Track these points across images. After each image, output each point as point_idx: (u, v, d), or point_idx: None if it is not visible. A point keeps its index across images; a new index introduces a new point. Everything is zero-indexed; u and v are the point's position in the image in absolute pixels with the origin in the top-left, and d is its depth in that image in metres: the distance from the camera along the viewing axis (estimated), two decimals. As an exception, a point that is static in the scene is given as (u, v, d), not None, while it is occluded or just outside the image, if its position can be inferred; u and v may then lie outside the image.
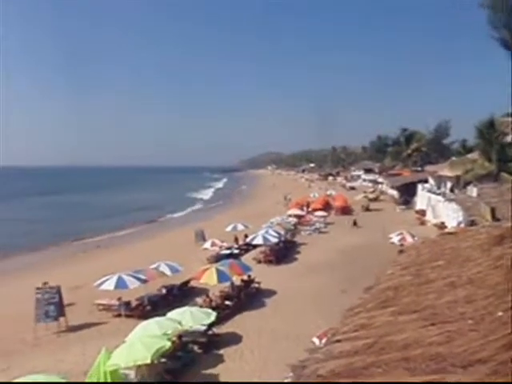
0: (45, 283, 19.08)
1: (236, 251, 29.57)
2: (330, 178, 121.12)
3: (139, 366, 12.28)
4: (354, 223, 40.22)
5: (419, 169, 63.17)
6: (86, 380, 11.94)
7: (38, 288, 17.83)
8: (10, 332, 17.31)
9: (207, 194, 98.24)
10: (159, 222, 53.92)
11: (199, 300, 19.30)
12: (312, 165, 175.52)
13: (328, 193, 71.83)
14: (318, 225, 40.29)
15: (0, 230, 45.46)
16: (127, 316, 18.27)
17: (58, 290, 17.96)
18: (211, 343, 15.20)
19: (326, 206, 52.10)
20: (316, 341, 11.73)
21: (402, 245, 23.71)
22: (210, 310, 15.83)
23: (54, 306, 17.53)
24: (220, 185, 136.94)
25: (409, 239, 26.06)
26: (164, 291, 20.51)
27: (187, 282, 21.39)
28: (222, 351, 14.90)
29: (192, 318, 14.64)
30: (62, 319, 17.72)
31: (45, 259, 31.87)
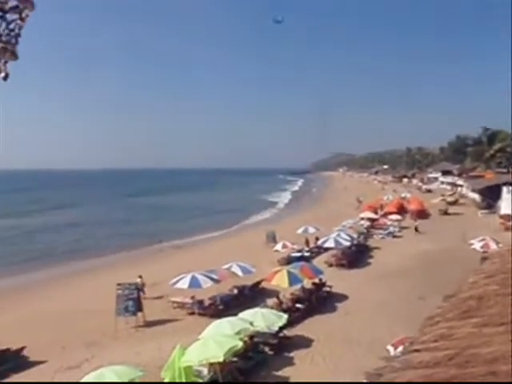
0: (139, 276, 20.63)
1: (307, 254, 29.39)
2: (405, 180, 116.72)
3: (212, 364, 12.56)
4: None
5: (504, 170, 58.97)
6: (162, 374, 12.43)
7: (118, 284, 18.86)
8: (94, 324, 18.44)
9: (285, 197, 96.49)
10: (236, 224, 54.51)
11: (270, 302, 19.38)
12: (385, 166, 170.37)
13: (402, 195, 69.22)
14: (391, 229, 38.95)
15: (103, 230, 48.55)
16: (200, 314, 18.79)
17: (137, 287, 18.87)
18: (282, 345, 15.19)
19: (401, 210, 50.19)
20: (390, 349, 11.32)
21: (484, 252, 22.23)
22: (281, 313, 15.85)
23: (132, 301, 18.44)
24: (296, 187, 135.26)
25: (492, 246, 24.36)
26: (235, 291, 20.84)
27: (258, 283, 21.58)
28: (292, 354, 14.83)
29: (263, 319, 14.74)
30: (139, 314, 18.58)
31: (130, 258, 33.44)
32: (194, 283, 18.39)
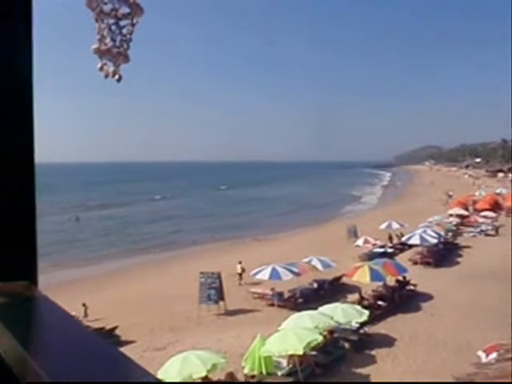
0: (239, 262, 22.41)
1: (390, 250, 28.41)
2: (500, 174, 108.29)
3: (291, 356, 12.65)
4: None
5: None
6: (242, 362, 12.77)
7: (201, 272, 19.60)
8: (179, 310, 19.36)
9: (373, 192, 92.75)
10: (319, 218, 53.96)
11: (351, 297, 19.06)
12: (477, 160, 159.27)
13: (497, 191, 64.31)
14: (484, 226, 36.36)
15: (191, 221, 50.49)
16: (279, 306, 18.97)
17: (219, 276, 19.50)
18: (362, 342, 14.88)
19: (495, 206, 46.68)
20: (482, 355, 10.62)
21: None
22: (362, 309, 15.52)
23: (214, 290, 19.08)
24: (384, 182, 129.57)
25: None
26: (315, 285, 20.74)
27: (339, 278, 21.30)
28: (373, 352, 14.48)
29: (344, 314, 14.54)
30: (221, 303, 19.19)
31: (216, 248, 34.59)
32: (275, 275, 18.61)
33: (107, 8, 1.98)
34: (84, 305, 18.73)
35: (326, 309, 14.95)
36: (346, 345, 14.82)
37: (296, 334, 12.38)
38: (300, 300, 19.06)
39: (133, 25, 2.01)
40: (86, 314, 18.42)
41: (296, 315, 14.33)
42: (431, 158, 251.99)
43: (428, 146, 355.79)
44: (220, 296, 19.11)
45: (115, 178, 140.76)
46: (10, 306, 1.14)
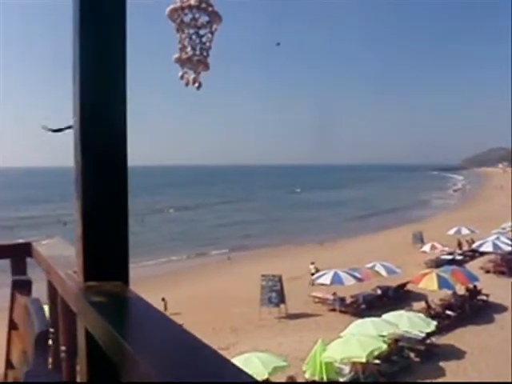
0: (312, 263, 22.61)
1: (459, 257, 27.03)
2: None
3: (353, 363, 12.38)
4: None
5: None
6: (303, 367, 12.67)
7: (263, 275, 19.71)
8: (241, 311, 19.57)
9: (443, 197, 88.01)
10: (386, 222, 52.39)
11: (416, 306, 18.33)
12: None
13: None
14: None
15: (263, 225, 50.65)
16: (341, 312, 18.64)
17: (280, 279, 19.50)
18: (429, 353, 14.26)
19: None
20: None
21: None
22: (428, 318, 14.90)
23: (276, 293, 19.11)
24: (458, 185, 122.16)
25: None
26: (379, 292, 20.17)
27: (404, 284, 20.56)
28: (441, 364, 13.82)
29: (409, 323, 14.02)
30: (282, 306, 19.17)
31: (280, 251, 34.65)
32: (337, 280, 18.33)
33: (187, 18, 2.06)
34: (163, 299, 19.38)
35: (390, 316, 14.49)
36: (412, 355, 14.28)
37: (359, 341, 12.11)
38: (363, 306, 18.61)
39: (212, 33, 2.08)
40: (166, 308, 19.02)
41: (359, 322, 14.01)
42: (504, 161, 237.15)
43: (500, 148, 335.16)
44: (281, 299, 19.11)
45: (193, 180, 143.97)
46: (108, 304, 1.20)
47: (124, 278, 1.38)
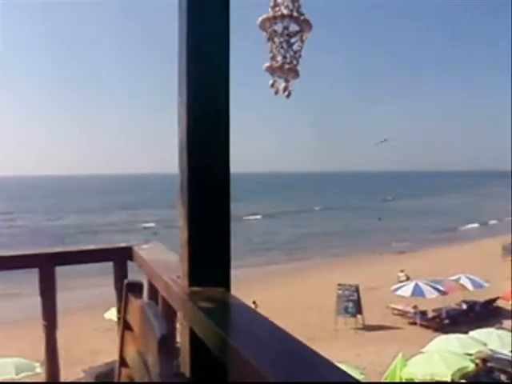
0: (401, 270, 22.80)
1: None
2: None
3: (437, 382, 11.72)
4: None
5: None
6: (382, 381, 12.21)
7: (339, 284, 19.35)
8: (316, 319, 19.33)
9: None
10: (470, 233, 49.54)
11: (507, 324, 16.99)
12: None
13: None
14: None
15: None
16: (422, 326, 17.77)
17: (357, 289, 19.03)
18: (523, 376, 13.12)
19: None
20: None
21: None
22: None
23: (352, 302, 18.67)
24: None
25: None
26: (464, 306, 18.95)
27: (493, 300, 19.15)
28: (537, 390, 12.66)
29: (500, 342, 13.00)
30: (359, 316, 18.66)
31: (356, 260, 33.95)
32: (417, 292, 17.50)
33: (279, 27, 2.09)
34: (254, 302, 19.68)
35: (477, 334, 13.54)
36: (503, 377, 13.19)
37: (443, 359, 11.43)
38: (446, 321, 17.61)
39: (302, 41, 2.09)
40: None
41: (443, 337, 13.24)
42: None
43: None
44: (358, 309, 18.63)
45: (281, 186, 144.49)
46: (213, 308, 1.23)
47: (226, 284, 1.40)
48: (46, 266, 2.10)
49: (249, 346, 0.97)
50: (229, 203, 1.42)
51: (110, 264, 2.25)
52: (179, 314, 1.42)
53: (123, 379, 1.32)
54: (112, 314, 16.76)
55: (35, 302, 2.27)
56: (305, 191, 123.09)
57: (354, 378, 0.87)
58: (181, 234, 1.44)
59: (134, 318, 1.26)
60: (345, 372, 0.86)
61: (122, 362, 1.31)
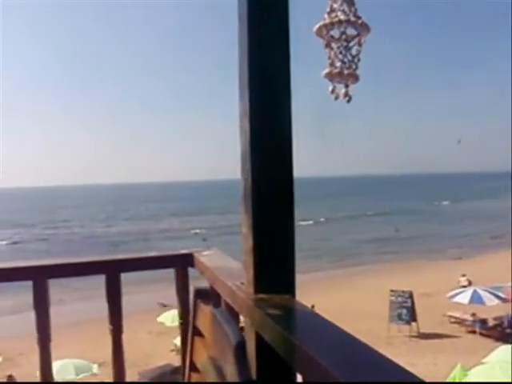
0: (463, 275, 22.25)
1: None
2: None
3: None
4: None
5: None
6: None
7: (391, 290, 18.84)
8: (368, 326, 18.88)
9: None
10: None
11: None
12: None
13: None
14: None
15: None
16: (482, 335, 16.95)
17: (411, 295, 18.45)
18: None
19: None
20: None
21: None
22: None
23: (406, 309, 18.11)
24: None
25: None
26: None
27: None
28: None
29: None
30: (413, 324, 18.08)
31: (409, 266, 33.01)
32: (476, 299, 16.71)
33: (336, 33, 2.08)
34: (313, 306, 19.63)
35: (543, 344, 12.76)
36: None
37: (507, 370, 10.84)
38: (508, 330, 16.69)
39: (360, 45, 2.07)
40: None
41: (505, 347, 12.55)
42: None
43: None
44: (412, 316, 18.04)
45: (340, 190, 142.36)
46: (280, 313, 1.24)
47: (291, 291, 1.41)
48: (112, 272, 2.19)
49: (317, 349, 0.99)
50: (293, 211, 1.43)
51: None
52: (243, 320, 1.44)
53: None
54: (164, 318, 17.20)
55: (101, 305, 2.38)
56: (356, 195, 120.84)
57: (420, 379, 0.89)
58: (244, 241, 1.46)
59: (204, 324, 1.28)
60: (410, 372, 0.89)
61: (192, 367, 1.34)
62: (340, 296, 24.37)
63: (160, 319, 17.39)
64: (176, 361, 17.22)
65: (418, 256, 36.80)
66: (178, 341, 16.74)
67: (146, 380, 13.98)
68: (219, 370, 1.05)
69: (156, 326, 17.75)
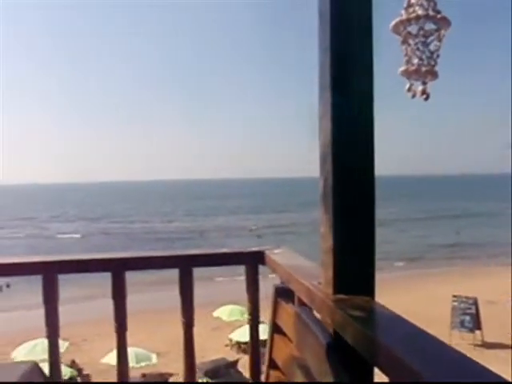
0: None
1: None
2: None
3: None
4: None
5: None
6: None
7: (454, 296, 18.07)
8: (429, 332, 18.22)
9: None
10: None
11: None
12: None
13: None
14: None
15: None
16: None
17: (475, 302, 17.60)
18: None
19: None
20: None
21: None
22: None
23: (469, 316, 17.31)
24: None
25: None
26: None
27: None
28: None
29: None
30: (477, 332, 17.24)
31: (471, 271, 31.70)
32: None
33: (413, 29, 2.02)
34: None
35: None
36: None
37: None
38: None
39: (440, 40, 1.99)
40: None
41: None
42: None
43: None
44: (476, 324, 17.20)
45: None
46: (361, 314, 1.23)
47: (371, 292, 1.39)
48: (185, 267, 2.26)
49: (400, 348, 1.00)
50: (373, 211, 1.40)
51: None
52: (322, 318, 1.44)
53: (272, 381, 1.36)
54: (220, 313, 17.52)
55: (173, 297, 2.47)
56: (429, 196, 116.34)
57: (508, 381, 0.90)
58: (323, 240, 1.45)
59: (286, 323, 1.29)
60: (496, 374, 0.89)
61: (271, 364, 1.36)
62: (400, 298, 23.62)
63: (216, 314, 17.73)
64: (230, 355, 17.52)
65: (484, 261, 35.13)
66: (233, 336, 17.08)
67: (201, 372, 14.26)
68: (306, 370, 1.05)
69: (212, 320, 18.11)
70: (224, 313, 17.25)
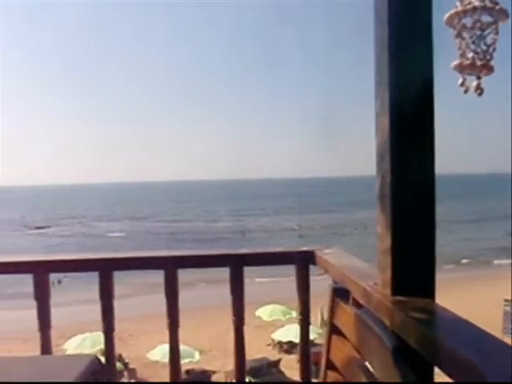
0: None
1: None
2: None
3: None
4: None
5: None
6: None
7: (506, 300, 17.34)
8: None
9: None
10: None
11: None
12: None
13: None
14: None
15: None
16: None
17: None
18: None
19: None
20: None
21: None
22: None
23: (523, 322, 16.56)
24: None
25: None
26: None
27: None
28: None
29: None
30: (531, 338, 16.44)
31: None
32: None
33: (469, 21, 1.95)
34: None
35: None
36: None
37: None
38: None
39: (497, 33, 1.92)
40: None
41: None
42: None
43: None
44: (530, 329, 16.43)
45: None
46: (421, 316, 1.21)
47: (431, 294, 1.35)
48: (236, 265, 2.28)
49: (464, 350, 0.98)
50: (434, 211, 1.37)
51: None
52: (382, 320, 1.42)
53: (330, 381, 1.35)
54: (262, 313, 17.58)
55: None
56: (479, 196, 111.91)
57: None
58: (380, 241, 1.43)
59: (345, 324, 1.28)
60: None
61: (329, 365, 1.35)
62: (449, 302, 22.61)
63: (258, 313, 17.79)
64: (272, 355, 17.52)
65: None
66: (275, 335, 17.09)
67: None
68: (367, 371, 1.04)
69: (254, 319, 18.19)
70: (265, 312, 17.28)
